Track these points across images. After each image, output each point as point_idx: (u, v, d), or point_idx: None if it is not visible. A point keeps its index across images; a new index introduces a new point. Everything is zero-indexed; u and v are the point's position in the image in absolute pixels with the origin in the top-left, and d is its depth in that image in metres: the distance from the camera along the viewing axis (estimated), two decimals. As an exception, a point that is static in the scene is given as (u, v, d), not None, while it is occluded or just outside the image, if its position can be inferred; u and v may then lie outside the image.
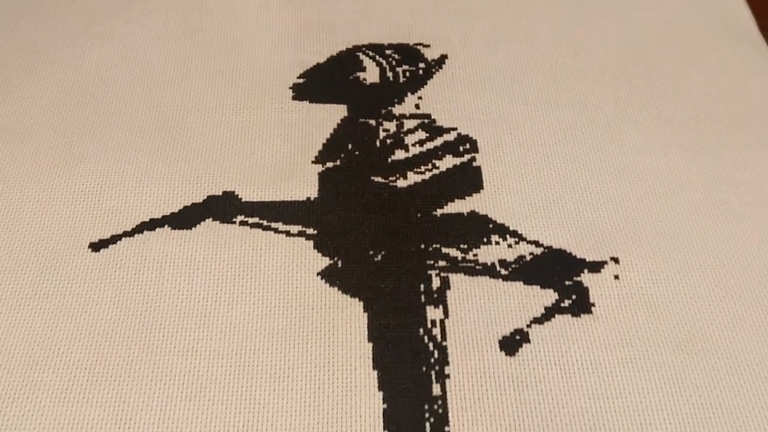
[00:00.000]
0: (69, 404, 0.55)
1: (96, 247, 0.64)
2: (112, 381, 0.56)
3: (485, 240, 0.65)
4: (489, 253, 0.64)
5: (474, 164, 0.70)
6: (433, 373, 0.57)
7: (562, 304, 0.61)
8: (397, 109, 0.74)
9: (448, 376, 0.57)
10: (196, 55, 0.79)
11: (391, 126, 0.73)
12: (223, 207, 0.66)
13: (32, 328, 0.59)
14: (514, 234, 0.65)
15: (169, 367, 0.57)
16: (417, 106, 0.74)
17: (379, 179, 0.69)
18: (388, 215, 0.66)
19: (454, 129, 0.72)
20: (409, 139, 0.72)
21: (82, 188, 0.68)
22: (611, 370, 0.57)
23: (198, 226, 0.65)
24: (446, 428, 0.54)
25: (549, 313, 0.60)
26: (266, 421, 0.55)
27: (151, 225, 0.65)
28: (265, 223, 0.65)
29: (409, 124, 0.73)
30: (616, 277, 0.62)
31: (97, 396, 0.56)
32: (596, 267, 0.63)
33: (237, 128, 0.72)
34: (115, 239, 0.64)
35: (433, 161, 0.70)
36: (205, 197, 0.67)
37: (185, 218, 0.66)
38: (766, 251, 0.63)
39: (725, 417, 0.55)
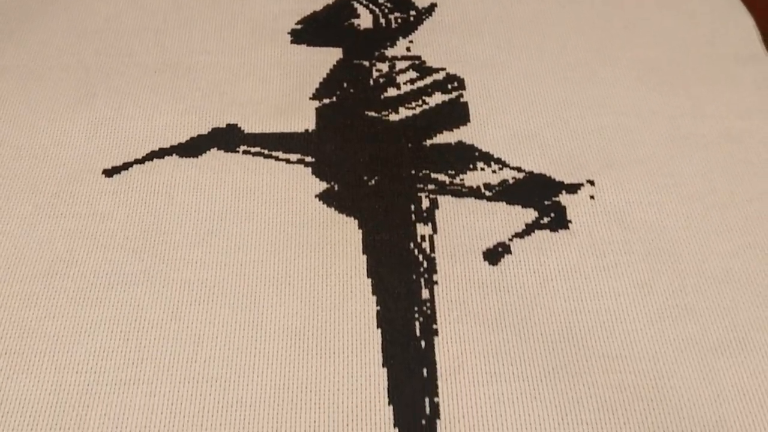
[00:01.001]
0: (87, 307, 0.60)
1: (109, 173, 0.69)
2: (126, 287, 0.61)
3: (471, 166, 0.70)
4: (474, 177, 0.69)
5: (461, 100, 0.75)
6: (422, 280, 0.62)
7: (542, 221, 0.66)
8: (389, 52, 0.79)
9: (436, 282, 0.62)
10: (199, 3, 0.84)
11: (384, 67, 0.77)
12: (227, 138, 0.71)
13: (52, 242, 0.64)
14: (498, 161, 0.70)
15: (178, 275, 0.62)
16: (408, 49, 0.79)
17: (372, 114, 0.74)
18: (381, 145, 0.71)
19: (443, 69, 0.77)
20: (401, 79, 0.77)
21: (95, 121, 0.73)
22: (586, 276, 0.62)
23: (204, 154, 0.70)
24: (434, 326, 0.59)
25: (529, 229, 0.65)
26: (269, 322, 0.59)
27: (160, 154, 0.70)
28: (266, 152, 0.70)
29: (400, 65, 0.78)
30: (592, 197, 0.67)
31: (113, 300, 0.60)
32: (573, 188, 0.68)
33: (239, 69, 0.77)
34: (126, 166, 0.69)
35: (423, 98, 0.75)
36: (210, 129, 0.72)
37: (192, 148, 0.71)
38: (727, 175, 0.68)
39: (690, 316, 0.60)
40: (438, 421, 0.54)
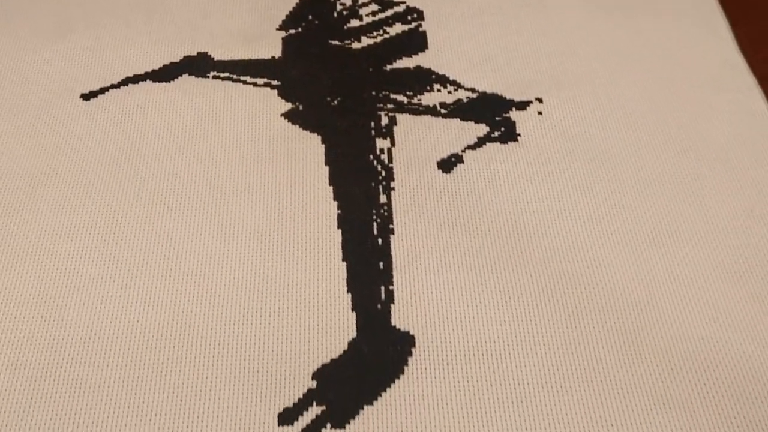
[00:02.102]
0: (66, 213, 0.64)
1: (86, 97, 0.73)
2: (103, 196, 0.65)
3: (428, 88, 0.74)
4: (431, 98, 0.73)
5: (420, 30, 0.79)
6: (380, 187, 0.66)
7: (493, 135, 0.70)
8: (352, -13, 0.83)
9: (393, 189, 0.66)
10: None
11: (347, 0, 0.82)
12: (198, 65, 0.76)
13: (33, 158, 0.68)
14: (454, 83, 0.75)
15: (152, 186, 0.66)
16: (371, -15, 0.84)
17: (335, 42, 0.78)
18: (344, 70, 0.76)
19: (403, 2, 0.82)
20: (363, 11, 0.81)
21: (73, 52, 0.77)
22: (531, 182, 0.67)
23: (176, 80, 0.74)
24: (390, 226, 0.64)
25: (481, 142, 0.70)
26: (238, 225, 0.64)
27: (135, 79, 0.74)
28: (234, 77, 0.75)
29: (363, -1, 0.82)
30: (540, 113, 0.72)
31: (91, 207, 0.65)
32: (523, 105, 0.72)
33: (211, 3, 0.81)
34: (103, 90, 0.73)
35: (384, 28, 0.79)
36: (182, 57, 0.76)
37: (165, 74, 0.75)
38: (667, 92, 0.73)
39: (626, 214, 0.64)
40: (392, 306, 0.59)
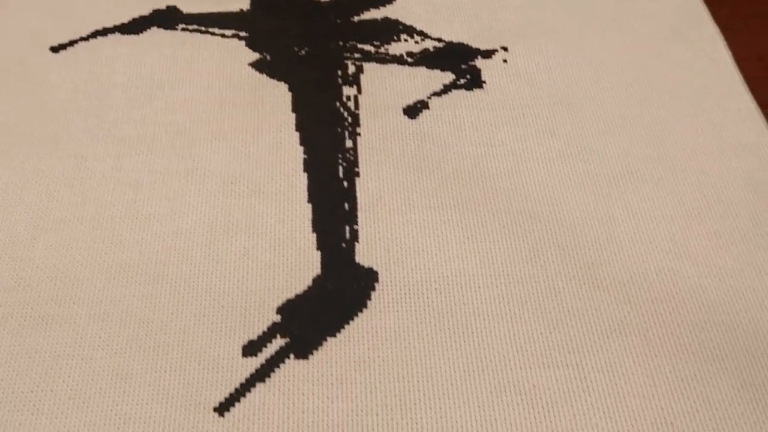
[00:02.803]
0: (35, 159, 0.65)
1: (56, 49, 0.73)
2: (71, 143, 0.66)
3: (395, 38, 0.75)
4: (398, 47, 0.74)
5: (388, -17, 0.80)
6: (346, 132, 0.67)
7: (458, 82, 0.71)
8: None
9: (359, 134, 0.67)
10: None
11: (316, -45, 0.82)
12: (167, 18, 0.76)
13: (2, 107, 0.68)
14: (421, 33, 0.75)
15: (120, 132, 0.67)
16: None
17: (304, -5, 0.79)
18: (312, 22, 0.76)
19: (371, -44, 0.82)
20: (332, -35, 0.81)
21: (42, 7, 0.77)
22: (496, 126, 0.68)
23: (145, 32, 0.75)
24: (356, 169, 0.65)
25: (447, 89, 0.71)
26: (205, 169, 0.64)
27: (104, 32, 0.75)
28: (203, 29, 0.75)
29: (331, -47, 0.82)
30: (505, 61, 0.73)
31: (59, 153, 0.65)
32: (488, 54, 0.73)
33: (179, -41, 0.82)
34: (72, 43, 0.74)
35: (352, -19, 0.80)
36: (151, 11, 0.77)
37: (133, 26, 0.75)
38: (630, 41, 0.74)
39: (588, 155, 0.65)
40: (357, 244, 0.60)
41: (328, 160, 0.65)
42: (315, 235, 0.61)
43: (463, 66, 0.72)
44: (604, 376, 0.53)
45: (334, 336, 0.55)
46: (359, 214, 0.62)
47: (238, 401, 0.52)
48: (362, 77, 0.71)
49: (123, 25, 0.75)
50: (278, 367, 0.53)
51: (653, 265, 0.58)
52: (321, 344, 0.55)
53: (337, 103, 0.69)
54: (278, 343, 0.55)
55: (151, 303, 0.56)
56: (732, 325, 0.55)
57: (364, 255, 0.59)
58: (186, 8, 0.77)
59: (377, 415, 0.51)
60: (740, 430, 0.50)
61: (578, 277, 0.58)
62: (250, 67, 0.72)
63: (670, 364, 0.53)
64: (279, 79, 0.71)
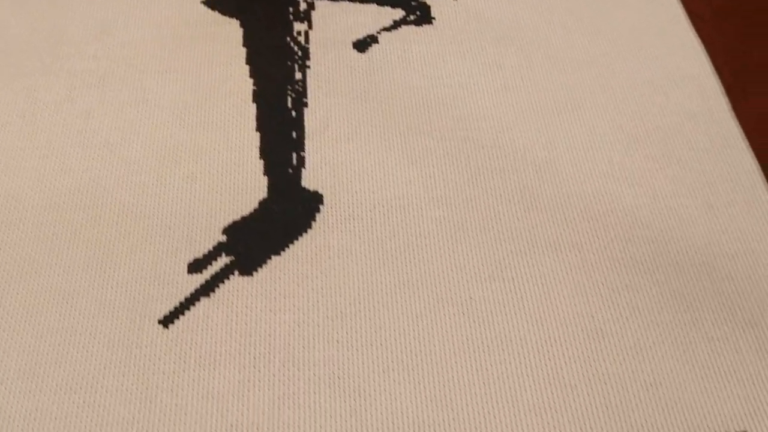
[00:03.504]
0: (-13, 92, 0.66)
1: (9, -13, 0.74)
2: (24, 77, 0.67)
3: (347, -24, 0.76)
4: (350, -15, 0.75)
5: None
6: (296, 65, 0.68)
7: (408, 18, 0.72)
8: None
9: (308, 67, 0.68)
10: None
11: None
12: (121, -43, 0.76)
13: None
14: (372, -28, 0.76)
15: (72, 66, 0.68)
16: None
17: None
18: (265, -38, 0.77)
19: None
20: None
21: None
22: (444, 60, 0.69)
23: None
24: (304, 100, 0.66)
25: (396, 24, 0.72)
26: (155, 100, 0.65)
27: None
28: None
29: None
30: (455, -1, 0.74)
31: (14, 86, 0.66)
32: (438, -9, 0.74)
33: None
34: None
35: None
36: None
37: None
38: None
39: (534, 86, 0.67)
40: (303, 170, 0.61)
41: (277, 92, 0.66)
42: (262, 161, 0.62)
43: (413, 2, 0.73)
44: (539, 288, 0.54)
45: (279, 255, 0.56)
46: (307, 142, 0.63)
47: (183, 314, 0.53)
48: (313, 13, 0.72)
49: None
50: (222, 282, 0.55)
51: (591, 187, 0.60)
52: (265, 262, 0.56)
53: (288, 38, 0.70)
54: (223, 261, 0.56)
55: (99, 225, 0.57)
56: (663, 241, 0.57)
57: (310, 180, 0.61)
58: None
59: (318, 326, 0.53)
60: (667, 335, 0.52)
61: (517, 199, 0.59)
62: (202, 5, 0.73)
63: (602, 276, 0.55)
64: (231, 16, 0.72)
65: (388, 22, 0.72)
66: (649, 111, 0.65)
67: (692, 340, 0.52)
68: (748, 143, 0.63)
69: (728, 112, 0.65)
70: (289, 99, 0.66)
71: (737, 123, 0.64)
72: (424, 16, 0.72)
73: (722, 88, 0.66)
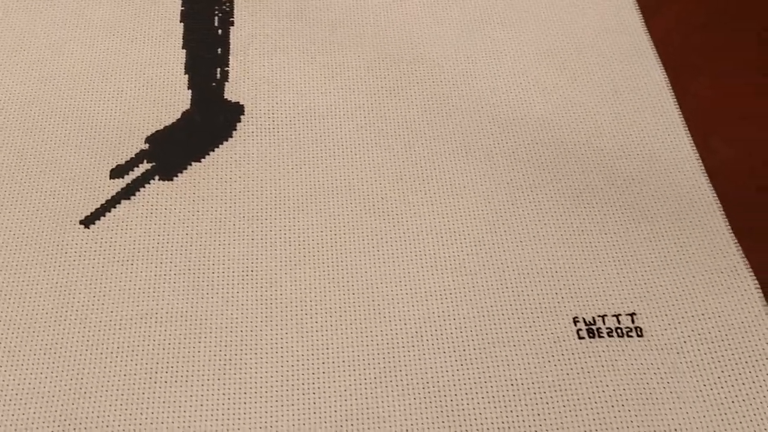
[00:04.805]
0: None
1: None
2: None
3: None
4: None
5: None
6: (224, -13, 0.70)
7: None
8: None
9: (236, -11, 0.70)
10: None
11: None
12: None
13: None
14: None
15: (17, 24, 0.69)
16: None
17: None
18: None
19: None
20: None
21: None
22: (368, -20, 0.71)
23: None
24: (231, 19, 0.67)
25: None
26: (87, 18, 0.67)
27: None
28: None
29: None
30: None
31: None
32: None
33: None
34: None
35: None
36: None
37: None
38: None
39: (455, 3, 0.69)
40: (226, 84, 0.63)
41: (204, 11, 0.68)
42: (187, 76, 0.63)
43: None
44: (447, 189, 0.57)
45: (199, 161, 0.58)
46: (231, 57, 0.65)
47: (104, 215, 0.55)
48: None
49: None
50: (143, 186, 0.57)
51: (504, 96, 0.62)
52: (186, 168, 0.58)
53: (217, -38, 0.72)
54: (144, 167, 0.58)
55: (21, 134, 0.59)
56: (570, 144, 0.59)
57: (233, 93, 0.63)
58: None
59: (235, 225, 0.55)
60: (566, 228, 0.54)
61: (431, 107, 0.61)
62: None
63: (509, 176, 0.57)
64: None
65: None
66: (565, 27, 0.67)
67: (589, 231, 0.54)
68: (657, 56, 0.65)
69: (641, 26, 0.67)
70: (216, 18, 0.67)
71: (648, 37, 0.66)
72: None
73: (636, 4, 0.69)
